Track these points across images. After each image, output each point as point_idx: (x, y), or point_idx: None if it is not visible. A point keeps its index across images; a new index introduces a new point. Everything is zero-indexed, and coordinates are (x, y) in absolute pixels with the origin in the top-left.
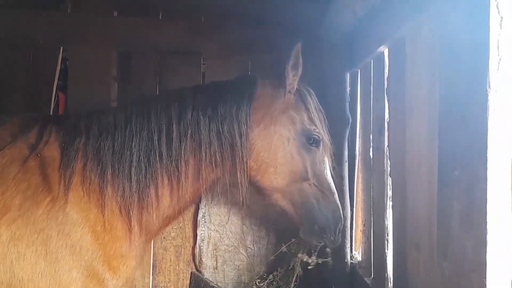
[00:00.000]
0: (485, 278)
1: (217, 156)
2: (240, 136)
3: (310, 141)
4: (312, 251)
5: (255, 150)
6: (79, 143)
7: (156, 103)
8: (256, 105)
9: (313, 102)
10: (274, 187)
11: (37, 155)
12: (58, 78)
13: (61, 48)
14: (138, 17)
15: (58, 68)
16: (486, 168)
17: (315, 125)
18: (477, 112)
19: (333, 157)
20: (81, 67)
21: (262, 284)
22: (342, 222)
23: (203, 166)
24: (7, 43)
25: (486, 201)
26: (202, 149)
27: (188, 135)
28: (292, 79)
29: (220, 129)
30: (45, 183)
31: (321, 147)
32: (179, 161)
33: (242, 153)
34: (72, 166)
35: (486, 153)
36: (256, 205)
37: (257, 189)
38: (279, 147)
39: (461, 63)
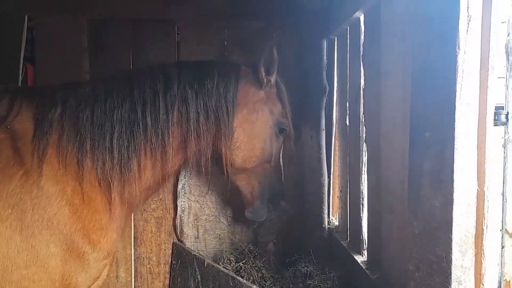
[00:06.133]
0: (451, 234)
1: (203, 129)
2: (228, 114)
3: (281, 132)
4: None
5: (236, 132)
6: (54, 114)
7: (138, 76)
8: (240, 91)
9: (286, 97)
10: (244, 167)
11: (7, 127)
12: (25, 49)
13: (26, 17)
14: None
15: (24, 38)
16: (454, 128)
17: (287, 119)
18: (447, 74)
19: (293, 142)
20: (49, 37)
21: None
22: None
23: (190, 137)
24: None
25: (453, 161)
26: (191, 121)
27: (175, 108)
28: (268, 77)
29: (208, 103)
30: (16, 157)
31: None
32: (165, 133)
33: (228, 131)
34: (47, 138)
35: (454, 113)
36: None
37: (225, 167)
38: (259, 133)
39: (433, 25)
